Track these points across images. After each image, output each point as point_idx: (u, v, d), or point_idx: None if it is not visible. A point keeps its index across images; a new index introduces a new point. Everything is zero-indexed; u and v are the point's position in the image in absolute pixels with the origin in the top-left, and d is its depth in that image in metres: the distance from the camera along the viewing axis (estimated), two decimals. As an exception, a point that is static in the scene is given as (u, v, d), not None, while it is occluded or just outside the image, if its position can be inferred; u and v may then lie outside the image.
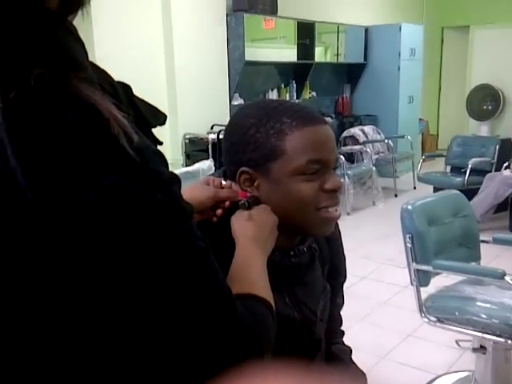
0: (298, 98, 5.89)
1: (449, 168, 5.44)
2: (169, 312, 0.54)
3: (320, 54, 6.36)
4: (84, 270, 0.51)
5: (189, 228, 0.56)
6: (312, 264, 0.97)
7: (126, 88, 0.61)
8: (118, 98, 0.57)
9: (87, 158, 0.50)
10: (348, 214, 5.11)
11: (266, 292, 0.70)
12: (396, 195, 5.85)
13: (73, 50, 0.55)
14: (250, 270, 0.73)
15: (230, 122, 0.91)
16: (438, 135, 8.55)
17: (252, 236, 0.79)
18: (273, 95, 5.64)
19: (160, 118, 0.64)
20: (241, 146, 0.86)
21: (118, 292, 0.53)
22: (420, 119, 7.39)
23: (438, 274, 2.18)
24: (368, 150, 5.79)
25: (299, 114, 0.85)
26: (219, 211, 0.87)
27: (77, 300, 0.53)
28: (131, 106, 0.59)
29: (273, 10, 5.32)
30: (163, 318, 0.54)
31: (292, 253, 0.93)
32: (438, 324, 2.14)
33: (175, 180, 0.57)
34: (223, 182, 0.89)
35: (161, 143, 0.61)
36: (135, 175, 0.51)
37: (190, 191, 0.85)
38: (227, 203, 0.87)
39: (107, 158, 0.51)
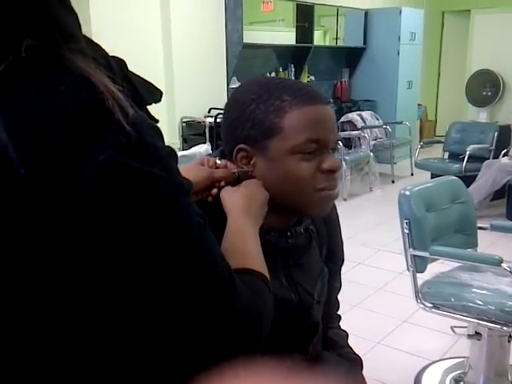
0: (296, 82, 5.84)
1: (447, 154, 5.42)
2: (168, 289, 0.53)
3: (319, 38, 6.30)
4: (80, 248, 0.50)
5: (187, 204, 0.56)
6: (309, 246, 0.96)
7: (121, 63, 0.60)
8: (112, 72, 0.55)
9: (82, 132, 0.48)
10: (345, 199, 5.09)
11: (261, 265, 0.69)
12: (393, 181, 5.84)
13: (65, 21, 0.54)
14: (244, 243, 0.72)
15: (230, 97, 0.90)
16: (436, 121, 8.51)
17: (242, 207, 0.78)
18: (271, 79, 5.58)
19: (155, 95, 0.63)
20: (240, 122, 0.84)
21: (115, 268, 0.51)
22: (418, 105, 7.34)
23: (434, 260, 2.18)
24: (366, 135, 5.75)
25: (300, 93, 0.83)
26: (214, 191, 0.85)
27: (73, 280, 0.51)
28: (126, 81, 0.57)
29: (272, -8, 5.25)
30: (162, 295, 0.53)
31: (289, 234, 0.92)
32: (433, 310, 2.14)
33: (172, 155, 0.56)
34: (218, 162, 0.88)
35: (157, 121, 0.59)
36: (131, 150, 0.50)
37: (184, 173, 0.84)
38: (222, 183, 0.85)
39: (102, 132, 0.49)
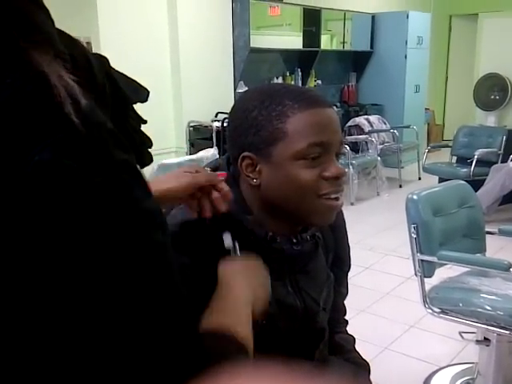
0: (303, 86, 5.84)
1: (454, 159, 5.40)
2: (102, 319, 0.45)
3: (326, 42, 6.31)
4: (13, 261, 0.44)
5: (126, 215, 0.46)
6: (315, 252, 0.96)
7: (103, 60, 0.56)
8: (91, 70, 0.52)
9: (22, 128, 0.44)
10: (352, 204, 5.08)
11: (247, 333, 0.66)
12: (401, 186, 5.82)
13: (32, 14, 0.49)
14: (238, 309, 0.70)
15: (233, 105, 0.90)
16: (443, 125, 8.48)
17: (237, 271, 0.77)
18: (278, 83, 5.60)
19: (142, 94, 0.59)
20: (243, 129, 0.84)
21: (57, 290, 0.43)
22: (426, 109, 7.33)
23: (442, 264, 2.16)
24: (373, 139, 5.74)
25: (302, 97, 0.83)
26: (208, 214, 0.83)
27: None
28: (108, 80, 0.54)
29: (279, -3, 5.27)
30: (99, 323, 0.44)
31: (295, 240, 0.91)
32: (441, 315, 2.12)
33: (127, 166, 0.47)
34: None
35: (144, 122, 0.56)
36: (74, 151, 0.44)
37: (166, 179, 0.84)
38: (216, 193, 0.83)
39: (43, 130, 0.44)
